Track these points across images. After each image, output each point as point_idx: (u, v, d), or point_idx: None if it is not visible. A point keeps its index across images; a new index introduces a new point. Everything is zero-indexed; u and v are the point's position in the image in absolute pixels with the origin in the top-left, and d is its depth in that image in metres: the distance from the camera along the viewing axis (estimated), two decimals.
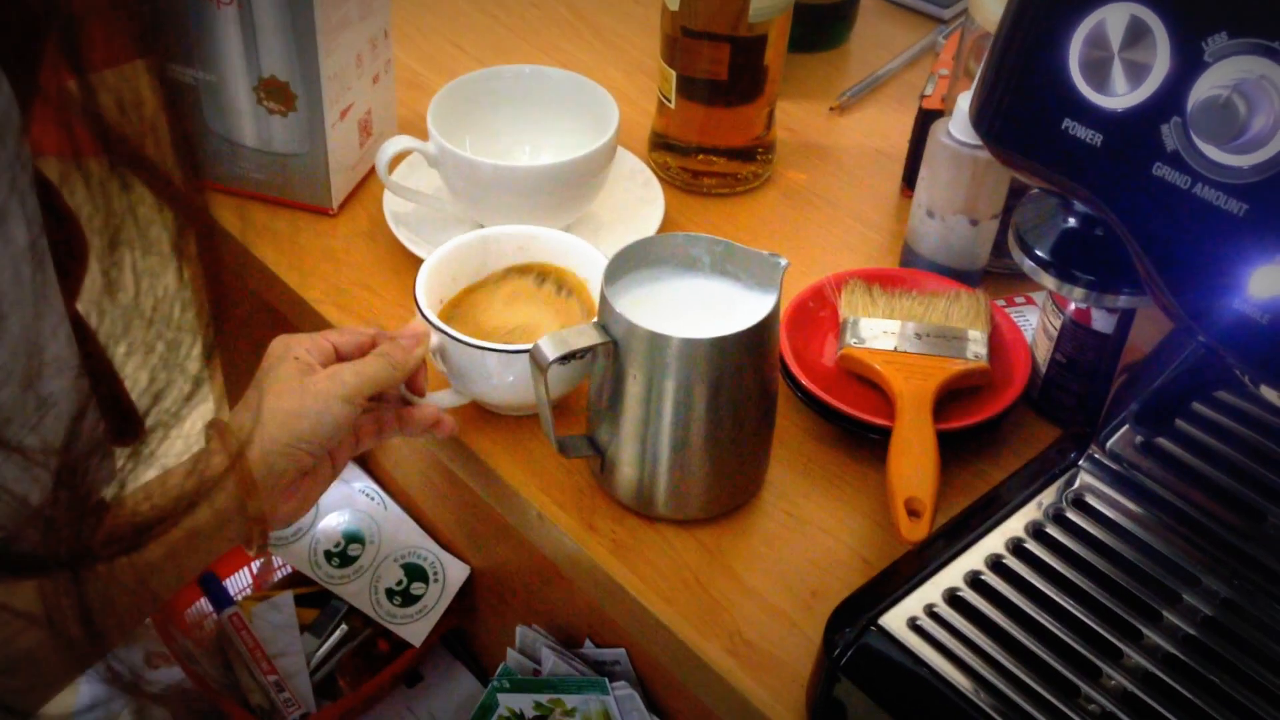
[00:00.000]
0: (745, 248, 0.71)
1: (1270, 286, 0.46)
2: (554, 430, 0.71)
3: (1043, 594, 0.62)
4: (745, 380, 0.68)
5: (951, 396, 0.76)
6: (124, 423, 1.09)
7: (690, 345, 0.66)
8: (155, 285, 0.41)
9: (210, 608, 1.29)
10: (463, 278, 0.81)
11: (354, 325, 0.79)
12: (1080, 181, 0.52)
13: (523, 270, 0.82)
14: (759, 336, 0.67)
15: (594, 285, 0.78)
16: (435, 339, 0.74)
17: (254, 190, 0.94)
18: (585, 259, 0.80)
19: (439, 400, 0.77)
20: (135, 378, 0.43)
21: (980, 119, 0.56)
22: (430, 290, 0.77)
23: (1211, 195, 0.48)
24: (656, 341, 0.66)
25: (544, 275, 0.81)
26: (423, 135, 0.88)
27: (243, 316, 1.23)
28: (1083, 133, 0.51)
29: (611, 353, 0.68)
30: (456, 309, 0.80)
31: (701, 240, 0.72)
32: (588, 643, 1.14)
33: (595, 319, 0.69)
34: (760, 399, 0.71)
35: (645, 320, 0.66)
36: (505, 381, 0.74)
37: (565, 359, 0.67)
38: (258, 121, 0.90)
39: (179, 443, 0.45)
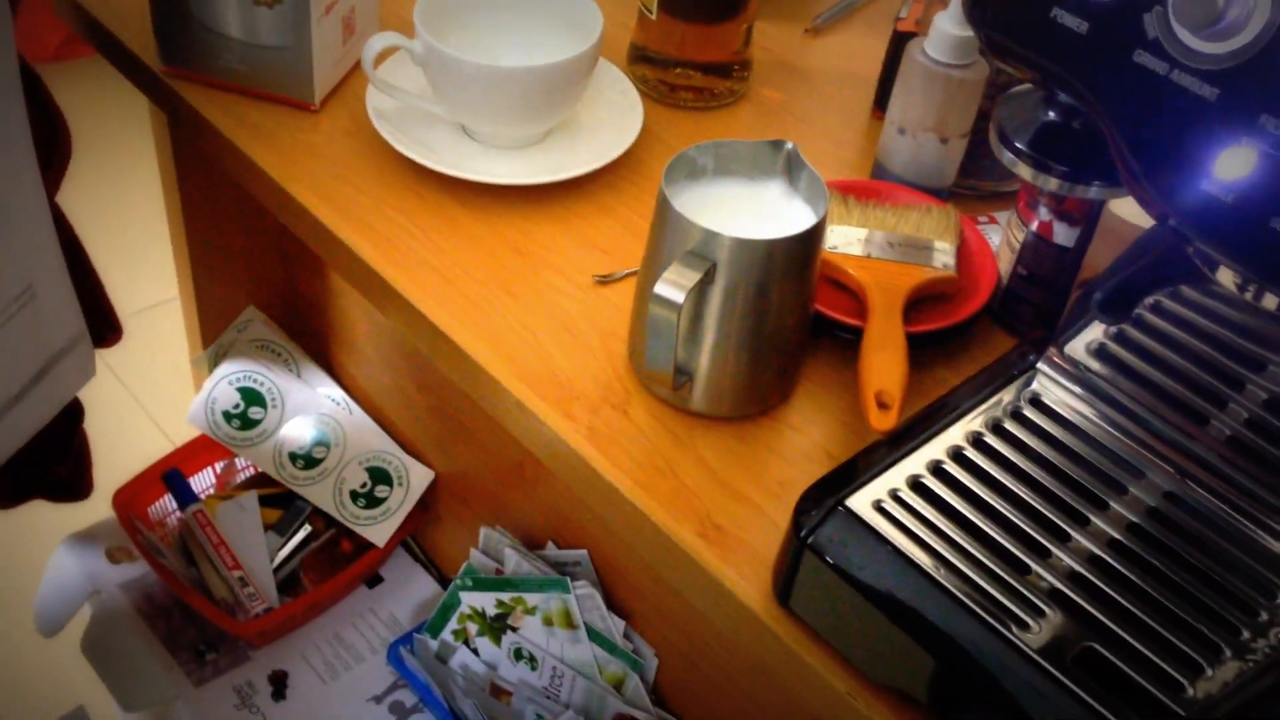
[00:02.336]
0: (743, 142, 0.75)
1: (1236, 168, 0.49)
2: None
3: (999, 482, 0.65)
4: (803, 279, 0.73)
5: (920, 304, 0.79)
6: (104, 325, 1.10)
7: (770, 246, 0.69)
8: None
9: (174, 505, 1.31)
10: None
11: None
12: (1065, 68, 0.56)
13: None
14: (817, 235, 0.71)
15: None
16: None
17: (237, 83, 0.95)
18: None
19: None
20: None
21: (973, 8, 0.59)
22: None
23: (1187, 81, 0.51)
24: (743, 248, 0.69)
25: None
26: (404, 35, 0.89)
27: (224, 209, 1.24)
28: (1070, 20, 0.54)
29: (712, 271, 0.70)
30: None
31: (707, 147, 0.75)
32: (550, 545, 1.18)
33: (683, 243, 0.70)
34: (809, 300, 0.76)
35: (721, 227, 0.69)
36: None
37: None
38: (243, 12, 0.90)
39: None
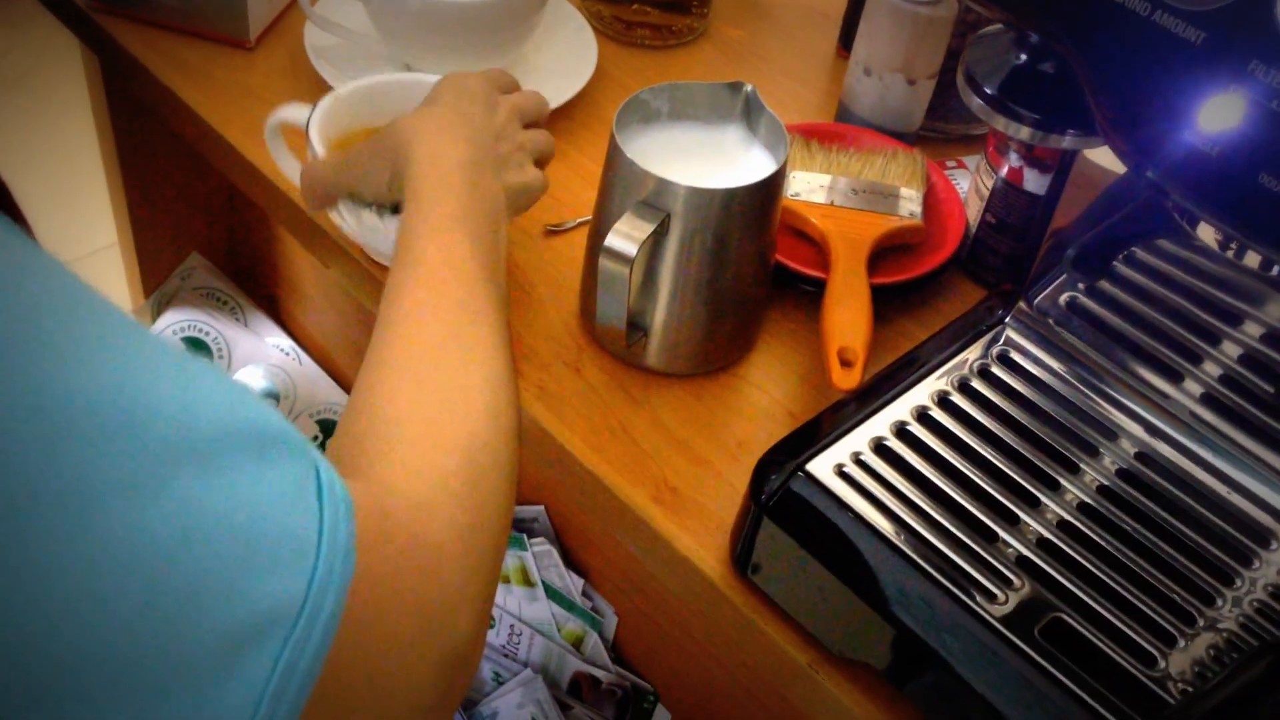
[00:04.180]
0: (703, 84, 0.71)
1: (1222, 119, 0.46)
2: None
3: (966, 444, 0.63)
4: (763, 229, 0.69)
5: (885, 254, 0.76)
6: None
7: (727, 195, 0.65)
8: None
9: None
10: (365, 118, 0.75)
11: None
12: (1039, 7, 0.52)
13: None
14: (776, 183, 0.68)
15: None
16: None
17: (166, 20, 0.90)
18: None
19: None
20: None
21: None
22: (328, 122, 0.72)
23: (1170, 22, 0.47)
24: (698, 197, 0.65)
25: None
26: None
27: (163, 151, 1.19)
28: None
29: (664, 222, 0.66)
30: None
31: (662, 89, 0.71)
32: None
33: (636, 192, 0.66)
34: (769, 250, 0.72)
35: (675, 175, 0.65)
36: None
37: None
38: None
39: None
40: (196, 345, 1.23)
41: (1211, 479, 0.62)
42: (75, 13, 0.93)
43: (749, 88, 0.70)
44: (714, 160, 0.71)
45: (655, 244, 0.67)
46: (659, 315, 0.70)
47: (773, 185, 0.67)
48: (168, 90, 0.87)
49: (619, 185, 0.67)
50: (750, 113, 0.71)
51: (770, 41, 0.99)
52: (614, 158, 0.67)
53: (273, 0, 0.91)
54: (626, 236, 0.64)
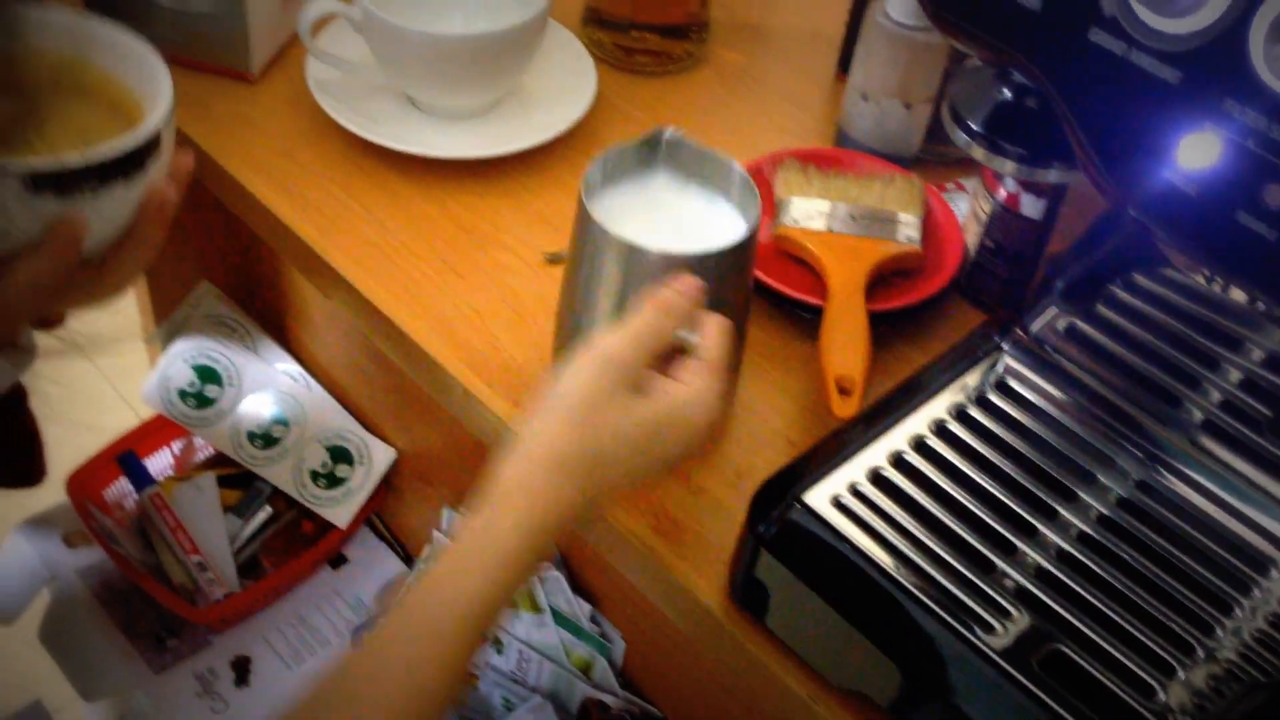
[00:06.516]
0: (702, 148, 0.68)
1: (1199, 156, 0.46)
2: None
3: (963, 474, 0.62)
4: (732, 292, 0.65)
5: (884, 279, 0.76)
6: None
7: (700, 259, 0.61)
8: None
9: (130, 487, 1.27)
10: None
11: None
12: (1017, 48, 0.52)
13: None
14: (748, 249, 0.64)
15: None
16: None
17: (170, 53, 0.89)
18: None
19: None
20: None
21: None
22: None
23: (1146, 62, 0.47)
24: (636, 255, 0.62)
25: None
26: (348, 2, 0.84)
27: None
28: None
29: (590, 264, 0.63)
30: None
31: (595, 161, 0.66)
32: None
33: (606, 256, 0.63)
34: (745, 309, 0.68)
35: (628, 233, 0.62)
36: None
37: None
38: None
39: None
40: (207, 373, 1.24)
41: (1210, 506, 0.61)
42: None
43: (668, 133, 0.67)
44: (681, 217, 0.67)
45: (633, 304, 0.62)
46: None
47: (745, 246, 0.63)
48: None
49: (589, 249, 0.64)
50: (676, 155, 0.68)
51: (769, 65, 0.99)
52: (584, 222, 0.64)
53: (276, 32, 0.92)
54: None
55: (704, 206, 0.68)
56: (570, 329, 0.68)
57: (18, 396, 1.02)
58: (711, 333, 0.60)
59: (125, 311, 1.35)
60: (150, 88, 0.63)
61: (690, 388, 0.57)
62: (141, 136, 0.59)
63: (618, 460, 0.56)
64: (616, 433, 0.56)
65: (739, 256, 0.63)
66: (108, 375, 1.89)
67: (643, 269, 0.62)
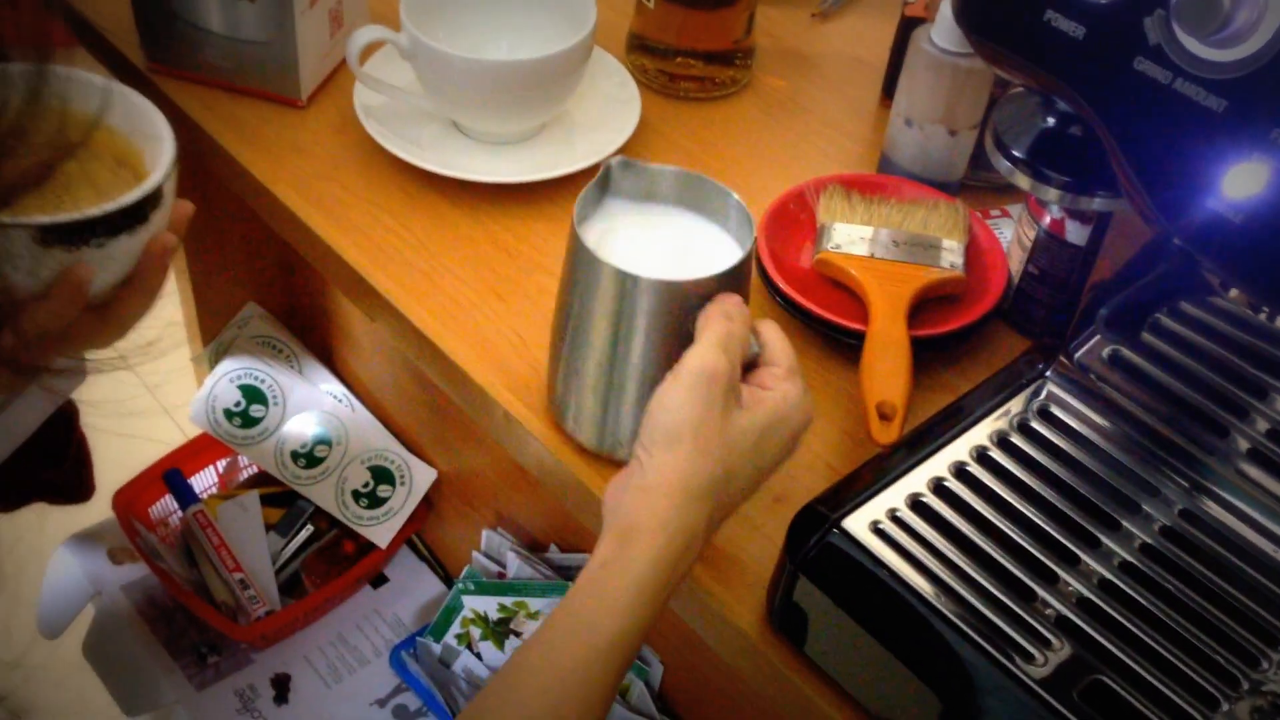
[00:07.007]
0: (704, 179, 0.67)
1: (1246, 186, 0.45)
2: None
3: (1005, 501, 0.62)
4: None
5: (926, 305, 0.76)
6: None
7: (691, 286, 0.61)
8: None
9: (175, 505, 1.29)
10: None
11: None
12: (1061, 76, 0.52)
13: None
14: (744, 271, 0.63)
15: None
16: None
17: (221, 79, 0.92)
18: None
19: None
20: None
21: (963, 11, 0.55)
22: None
23: (1192, 91, 0.47)
24: (630, 284, 0.61)
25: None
26: (395, 29, 0.86)
27: (220, 204, 1.21)
28: (1065, 25, 0.50)
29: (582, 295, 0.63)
30: None
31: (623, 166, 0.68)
32: (552, 548, 1.15)
33: (599, 284, 0.63)
34: None
35: (619, 260, 0.61)
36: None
37: None
38: (224, 7, 0.87)
39: None
40: (253, 392, 1.25)
41: (1256, 536, 0.60)
42: (135, 73, 0.95)
43: (614, 162, 0.67)
44: (680, 238, 0.67)
45: (628, 333, 0.64)
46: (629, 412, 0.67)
47: (744, 268, 0.63)
48: (219, 146, 0.89)
49: (580, 275, 0.64)
50: (676, 187, 0.67)
51: (813, 92, 0.99)
52: (576, 249, 0.64)
53: (324, 60, 0.93)
54: None
55: (699, 230, 0.68)
56: (565, 359, 0.68)
57: (69, 415, 1.04)
58: (773, 338, 0.61)
59: (172, 331, 1.36)
60: (153, 142, 0.65)
61: (779, 392, 0.60)
62: (146, 190, 0.61)
63: (738, 476, 0.59)
64: (734, 450, 0.58)
65: (733, 280, 0.62)
66: (147, 383, 1.91)
67: (638, 297, 0.62)
